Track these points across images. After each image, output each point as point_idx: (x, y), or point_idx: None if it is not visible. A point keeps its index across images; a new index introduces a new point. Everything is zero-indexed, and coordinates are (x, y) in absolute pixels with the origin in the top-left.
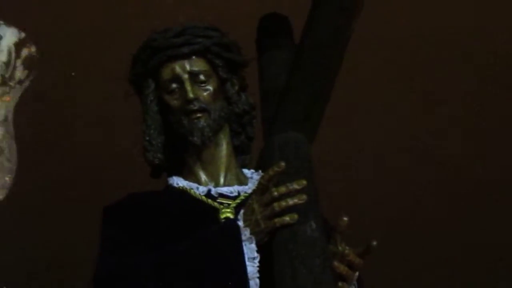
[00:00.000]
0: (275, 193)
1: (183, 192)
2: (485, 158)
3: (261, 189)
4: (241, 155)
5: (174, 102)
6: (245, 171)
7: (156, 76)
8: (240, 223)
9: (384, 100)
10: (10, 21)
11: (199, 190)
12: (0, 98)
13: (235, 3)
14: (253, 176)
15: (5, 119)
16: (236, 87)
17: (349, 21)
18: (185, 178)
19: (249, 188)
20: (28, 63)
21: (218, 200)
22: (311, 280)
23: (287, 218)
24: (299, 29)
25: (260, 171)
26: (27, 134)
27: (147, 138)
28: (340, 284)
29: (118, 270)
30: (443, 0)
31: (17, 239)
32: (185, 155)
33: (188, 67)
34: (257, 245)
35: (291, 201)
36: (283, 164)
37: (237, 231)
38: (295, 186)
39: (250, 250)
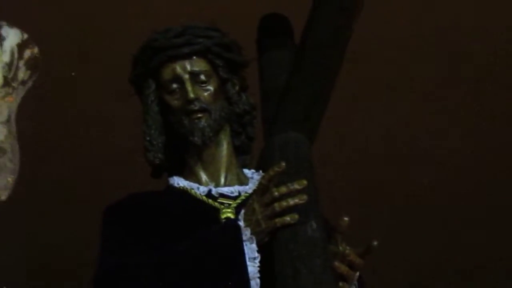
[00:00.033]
0: (276, 193)
1: (183, 192)
2: (485, 158)
3: (262, 189)
4: (242, 155)
5: (175, 102)
6: (246, 171)
7: (157, 76)
8: (241, 223)
9: (384, 100)
10: (12, 22)
11: (200, 190)
12: (3, 98)
13: (235, 3)
14: (253, 176)
15: (8, 119)
16: (237, 87)
17: (349, 21)
18: (186, 178)
19: (249, 188)
20: (31, 64)
21: (218, 200)
22: (312, 280)
23: (287, 218)
24: (299, 29)
25: (260, 171)
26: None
27: (148, 138)
28: (340, 284)
29: (118, 270)
30: (443, 0)
31: (17, 239)
32: (185, 155)
33: (188, 67)
34: (258, 245)
35: (291, 201)
36: (283, 164)
37: (237, 231)
38: (296, 186)
39: (251, 250)
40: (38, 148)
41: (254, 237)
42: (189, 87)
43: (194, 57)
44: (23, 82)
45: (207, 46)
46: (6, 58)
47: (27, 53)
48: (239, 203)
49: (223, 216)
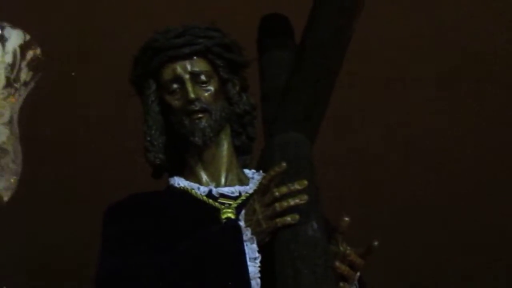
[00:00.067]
0: (277, 193)
1: (184, 192)
2: (485, 158)
3: (263, 189)
4: (242, 156)
5: (175, 102)
6: (246, 171)
7: (157, 77)
8: (242, 223)
9: (384, 100)
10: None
11: (200, 190)
12: (5, 99)
13: (235, 3)
14: (254, 176)
15: (10, 120)
16: (237, 88)
17: (349, 21)
18: (186, 178)
19: (250, 188)
20: (33, 65)
21: (219, 200)
22: (313, 280)
23: (288, 218)
24: (299, 29)
25: (261, 171)
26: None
27: (148, 139)
28: (341, 284)
29: (119, 271)
30: (443, 0)
31: (17, 239)
32: (186, 155)
33: (189, 68)
34: (259, 245)
35: (292, 201)
36: (284, 164)
37: (238, 231)
38: (297, 186)
39: (251, 250)
40: (38, 148)
41: (254, 237)
42: (189, 87)
43: (195, 58)
44: (25, 83)
45: (208, 47)
46: (8, 59)
47: (30, 54)
48: (239, 203)
49: (224, 216)
